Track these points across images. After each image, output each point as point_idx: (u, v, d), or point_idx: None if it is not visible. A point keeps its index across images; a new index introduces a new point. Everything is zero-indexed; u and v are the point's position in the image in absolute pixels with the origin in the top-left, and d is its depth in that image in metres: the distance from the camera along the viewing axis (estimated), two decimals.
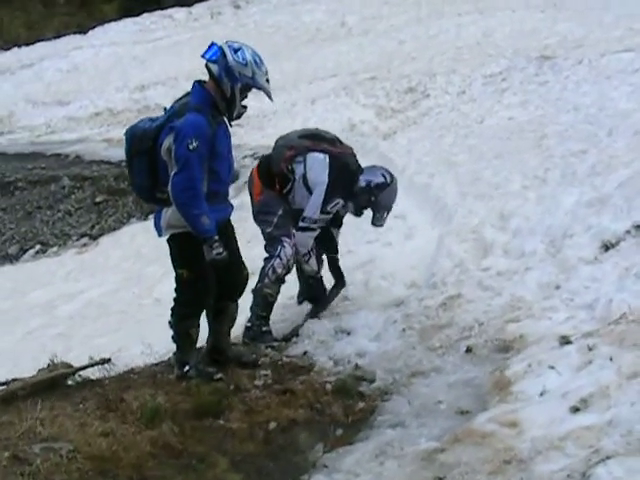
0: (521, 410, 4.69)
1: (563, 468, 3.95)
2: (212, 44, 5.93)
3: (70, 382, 6.68)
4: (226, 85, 5.82)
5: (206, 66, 5.89)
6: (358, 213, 7.78)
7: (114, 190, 16.56)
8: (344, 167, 7.34)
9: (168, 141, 5.81)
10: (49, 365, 6.76)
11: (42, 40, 30.00)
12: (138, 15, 29.28)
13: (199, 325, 6.37)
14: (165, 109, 6.18)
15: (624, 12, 17.93)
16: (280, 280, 7.19)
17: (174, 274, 6.33)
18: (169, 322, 6.47)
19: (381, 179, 7.60)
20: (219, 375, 6.28)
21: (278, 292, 7.25)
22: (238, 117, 6.04)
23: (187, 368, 6.29)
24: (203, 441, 5.37)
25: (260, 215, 7.29)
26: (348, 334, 6.99)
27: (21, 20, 32.09)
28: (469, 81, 16.13)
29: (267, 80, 5.99)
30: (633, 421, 4.12)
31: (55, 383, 6.54)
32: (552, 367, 5.12)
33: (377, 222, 7.79)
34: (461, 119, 14.13)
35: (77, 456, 5.12)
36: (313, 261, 7.46)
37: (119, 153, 17.78)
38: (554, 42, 16.91)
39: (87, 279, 13.13)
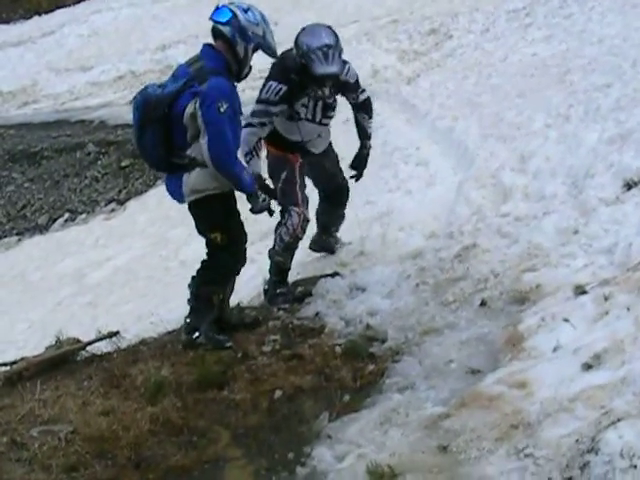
0: (531, 369, 4.42)
1: (572, 432, 3.69)
2: (220, 6, 5.92)
3: (79, 358, 6.55)
4: (240, 46, 5.80)
5: (214, 28, 5.88)
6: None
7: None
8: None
9: (192, 106, 5.69)
10: (56, 342, 6.63)
11: (62, 7, 29.80)
12: None
13: (224, 293, 6.31)
14: (173, 74, 5.97)
15: None
16: (289, 248, 7.03)
17: (203, 239, 6.22)
18: (189, 285, 6.36)
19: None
20: (229, 343, 6.13)
21: (290, 259, 7.11)
22: (245, 77, 6.04)
23: (197, 334, 6.19)
24: (205, 415, 5.21)
25: (270, 179, 7.05)
26: (363, 291, 6.74)
27: None
28: (492, 18, 15.69)
29: (273, 38, 6.00)
30: None
31: (63, 360, 6.41)
32: (566, 320, 4.84)
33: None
34: (484, 58, 13.74)
35: (76, 438, 5.02)
36: (254, 162, 6.65)
37: None
38: None
39: (115, 245, 13.08)
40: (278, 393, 5.28)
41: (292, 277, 7.39)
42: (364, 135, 7.48)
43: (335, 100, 7.05)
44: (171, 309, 8.65)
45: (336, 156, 7.53)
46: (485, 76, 12.58)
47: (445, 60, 14.98)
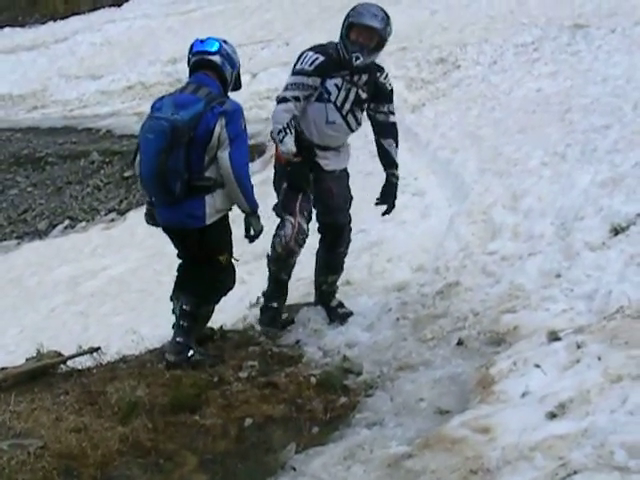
0: (497, 414, 4.42)
1: None
2: (207, 38, 6.14)
3: (59, 371, 6.58)
4: (228, 72, 6.08)
5: (202, 59, 6.03)
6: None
7: None
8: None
9: (219, 126, 5.80)
10: (37, 354, 6.66)
11: (77, 14, 29.93)
12: None
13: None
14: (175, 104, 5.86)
15: None
16: (280, 260, 6.71)
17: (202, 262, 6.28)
18: (175, 309, 6.41)
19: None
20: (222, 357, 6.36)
21: (284, 271, 6.82)
22: None
23: (192, 352, 6.24)
24: (175, 438, 5.19)
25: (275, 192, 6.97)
26: (347, 321, 6.76)
27: None
28: (501, 51, 15.75)
29: None
30: (608, 431, 3.83)
31: (42, 372, 6.43)
32: (538, 366, 4.84)
33: None
34: (489, 90, 13.81)
35: (45, 453, 4.99)
36: (288, 139, 6.32)
37: None
38: (588, 10, 16.41)
39: (112, 255, 13.13)
40: (248, 421, 5.28)
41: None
42: (391, 164, 6.94)
43: (367, 101, 6.53)
44: (158, 324, 8.67)
45: (348, 190, 6.88)
46: (488, 109, 12.65)
47: (451, 90, 15.06)
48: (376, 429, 4.96)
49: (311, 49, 6.48)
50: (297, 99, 6.31)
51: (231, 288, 6.46)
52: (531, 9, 17.80)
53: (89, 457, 4.94)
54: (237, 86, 6.25)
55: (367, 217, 9.37)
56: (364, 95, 6.47)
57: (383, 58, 17.25)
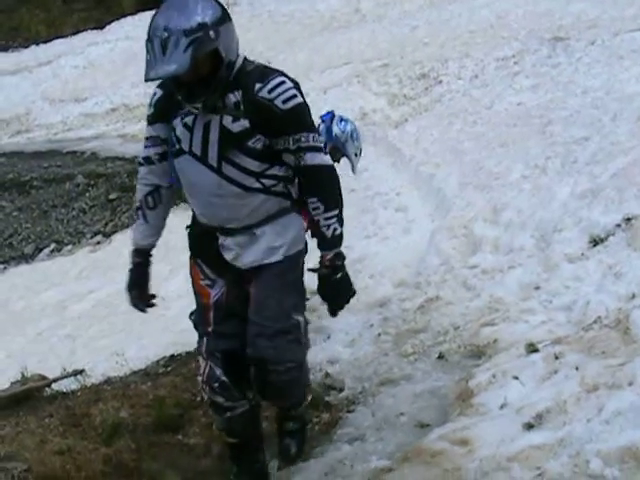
0: (475, 426, 4.46)
1: None
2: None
3: (44, 394, 6.60)
4: None
5: None
6: None
7: (127, 187, 16.53)
8: None
9: None
10: (21, 378, 6.69)
11: (60, 37, 29.97)
12: (154, 8, 28.99)
13: None
14: None
15: None
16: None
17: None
18: None
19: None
20: None
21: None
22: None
23: None
24: (158, 458, 5.22)
25: None
26: (327, 338, 6.81)
27: (41, 17, 32.05)
28: (482, 65, 15.81)
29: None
30: (584, 440, 3.88)
31: (27, 396, 6.45)
32: (516, 378, 4.89)
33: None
34: (471, 105, 13.85)
35: (29, 476, 5.00)
36: (137, 229, 4.59)
37: (133, 148, 17.89)
38: (568, 23, 16.48)
39: (98, 278, 13.12)
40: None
41: None
42: (322, 240, 4.13)
43: (250, 133, 3.90)
44: (144, 346, 8.69)
45: (291, 297, 4.21)
46: (470, 123, 12.69)
47: (433, 105, 15.11)
48: (357, 444, 4.99)
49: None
50: (149, 161, 4.28)
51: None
52: (511, 23, 17.88)
53: (73, 479, 4.96)
54: None
55: (350, 233, 9.42)
56: (238, 126, 3.87)
57: (365, 75, 17.36)
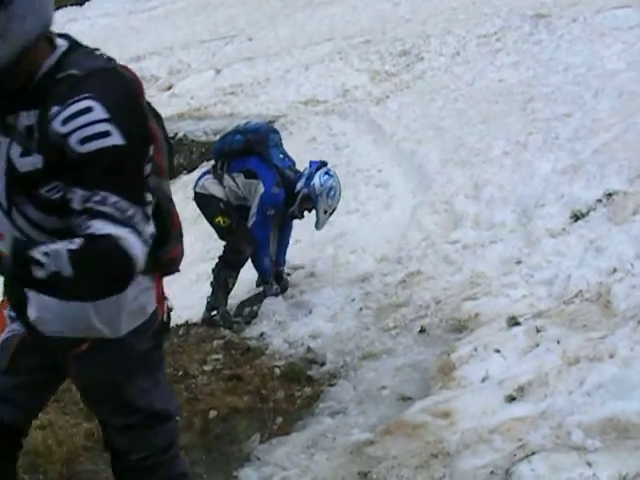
0: (456, 399, 4.48)
1: (487, 464, 3.75)
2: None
3: None
4: None
5: None
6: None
7: None
8: None
9: None
10: None
11: None
12: None
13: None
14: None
15: None
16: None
17: None
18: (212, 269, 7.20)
19: None
20: (238, 325, 6.96)
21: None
22: None
23: (214, 312, 7.04)
24: None
25: None
26: (309, 313, 6.82)
27: None
28: (463, 42, 15.76)
29: None
30: (566, 412, 3.90)
31: None
32: (498, 351, 4.92)
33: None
34: (452, 82, 13.83)
35: None
36: None
37: None
38: (550, 0, 16.48)
39: None
40: (213, 413, 5.28)
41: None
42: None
43: (45, 177, 2.51)
44: None
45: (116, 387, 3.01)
46: (451, 100, 12.67)
47: (415, 82, 15.06)
48: (339, 417, 5.00)
49: None
50: None
51: (242, 252, 7.02)
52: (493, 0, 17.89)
53: (55, 453, 4.94)
54: None
55: None
56: (26, 163, 2.50)
57: (347, 52, 17.35)
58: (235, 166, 7.05)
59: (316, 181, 7.04)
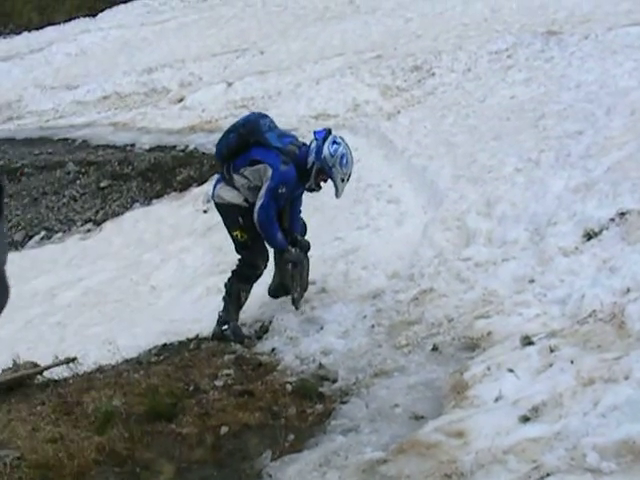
0: (470, 418, 4.46)
1: None
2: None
3: (35, 382, 6.57)
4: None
5: None
6: None
7: (118, 175, 16.47)
8: None
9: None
10: (13, 365, 6.65)
11: (52, 24, 29.77)
12: None
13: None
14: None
15: None
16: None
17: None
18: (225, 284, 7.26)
19: None
20: (250, 340, 7.01)
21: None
22: None
23: (226, 327, 7.03)
24: (152, 447, 5.20)
25: None
26: (320, 329, 6.81)
27: (33, 4, 31.86)
28: (475, 58, 15.76)
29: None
30: (581, 434, 3.89)
31: (19, 383, 6.43)
32: (511, 370, 4.90)
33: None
34: (464, 98, 13.82)
35: (22, 464, 5.00)
36: None
37: (124, 137, 17.81)
38: (561, 17, 16.46)
39: (88, 266, 13.07)
40: (224, 429, 5.29)
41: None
42: None
43: None
44: (135, 334, 8.67)
45: None
46: (463, 116, 12.67)
47: (426, 97, 15.06)
48: (351, 435, 4.99)
49: None
50: None
51: (257, 267, 7.17)
52: (505, 16, 17.85)
53: (66, 467, 4.94)
54: None
55: (342, 225, 9.43)
56: None
57: (358, 67, 17.36)
58: (239, 163, 7.11)
59: (326, 152, 7.05)
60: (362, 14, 21.61)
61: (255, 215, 6.96)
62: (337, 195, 7.33)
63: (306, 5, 23.89)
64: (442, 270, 7.21)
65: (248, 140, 7.05)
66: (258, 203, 6.95)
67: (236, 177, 7.09)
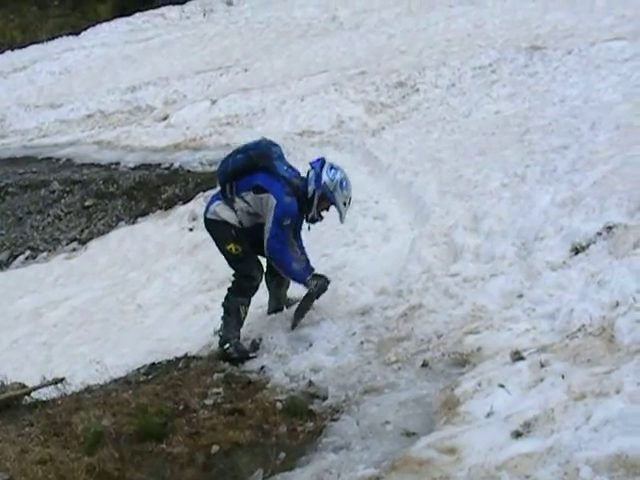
0: (462, 435, 4.46)
1: None
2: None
3: (23, 402, 6.52)
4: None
5: None
6: None
7: (103, 193, 16.45)
8: None
9: None
10: (0, 386, 6.61)
11: (35, 43, 29.78)
12: (130, 15, 29.05)
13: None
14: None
15: None
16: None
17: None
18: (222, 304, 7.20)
19: None
20: (254, 354, 6.89)
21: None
22: None
23: (227, 346, 6.95)
24: (142, 467, 5.18)
25: None
26: (309, 346, 6.79)
27: (15, 23, 31.92)
28: (459, 74, 15.82)
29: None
30: (573, 448, 3.89)
31: (6, 405, 6.38)
32: (502, 386, 4.90)
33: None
34: (448, 113, 13.87)
35: None
36: None
37: (109, 155, 17.77)
38: (545, 32, 16.56)
39: (74, 285, 13.01)
40: (215, 448, 5.27)
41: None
42: None
43: None
44: (122, 353, 8.63)
45: None
46: (448, 132, 12.69)
47: (411, 113, 15.09)
48: (343, 453, 4.97)
49: None
50: None
51: (253, 279, 7.16)
52: (488, 31, 17.94)
53: None
54: None
55: (329, 241, 9.41)
56: None
57: (342, 83, 17.39)
58: (243, 185, 7.07)
59: (325, 178, 7.08)
60: (345, 30, 21.72)
61: (266, 244, 6.97)
62: (341, 220, 7.35)
63: (289, 22, 24.00)
64: (430, 286, 7.21)
65: (256, 164, 7.04)
66: (267, 234, 6.96)
67: (237, 200, 7.08)
